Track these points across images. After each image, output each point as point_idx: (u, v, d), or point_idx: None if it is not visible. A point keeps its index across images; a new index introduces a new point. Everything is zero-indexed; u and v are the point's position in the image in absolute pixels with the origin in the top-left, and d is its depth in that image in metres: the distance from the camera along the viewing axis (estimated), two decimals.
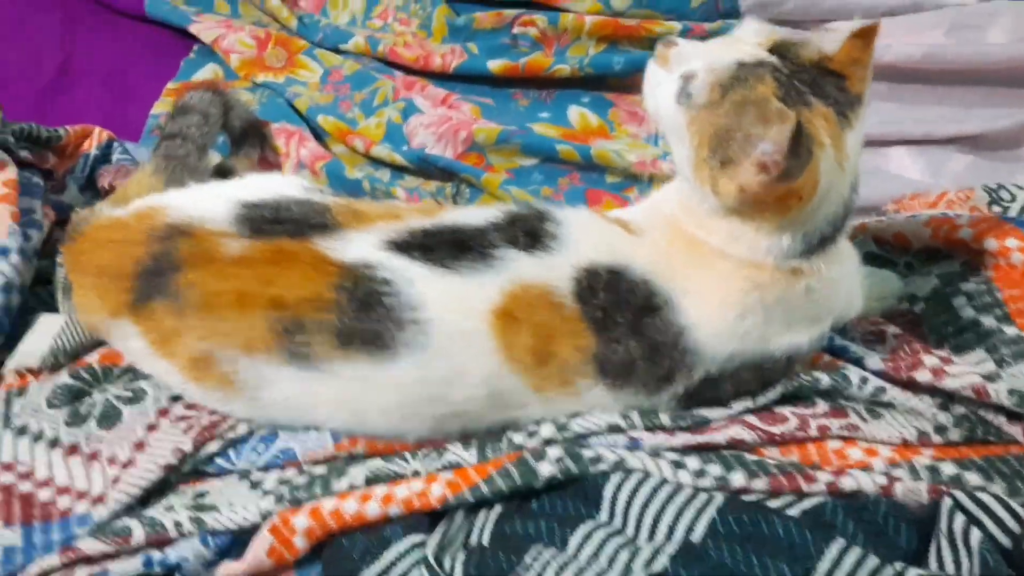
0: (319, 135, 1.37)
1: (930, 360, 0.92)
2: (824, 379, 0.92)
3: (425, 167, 1.32)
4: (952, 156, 1.41)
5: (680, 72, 0.85)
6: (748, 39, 0.86)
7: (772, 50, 0.83)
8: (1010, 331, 0.96)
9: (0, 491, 0.87)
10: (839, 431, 0.89)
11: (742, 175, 0.77)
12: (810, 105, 0.80)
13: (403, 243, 0.88)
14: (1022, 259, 0.99)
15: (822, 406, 0.92)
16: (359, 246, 0.87)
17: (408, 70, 1.51)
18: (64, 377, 0.97)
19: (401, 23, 1.60)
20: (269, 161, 1.32)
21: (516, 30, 1.55)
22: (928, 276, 1.07)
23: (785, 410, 0.91)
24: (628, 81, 1.48)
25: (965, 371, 0.89)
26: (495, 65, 1.47)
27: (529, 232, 0.90)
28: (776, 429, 0.89)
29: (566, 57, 1.50)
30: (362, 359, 0.84)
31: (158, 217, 0.92)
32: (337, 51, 1.53)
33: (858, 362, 0.96)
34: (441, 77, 1.50)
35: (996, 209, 1.19)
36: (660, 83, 0.87)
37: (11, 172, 1.09)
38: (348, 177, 1.30)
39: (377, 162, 1.34)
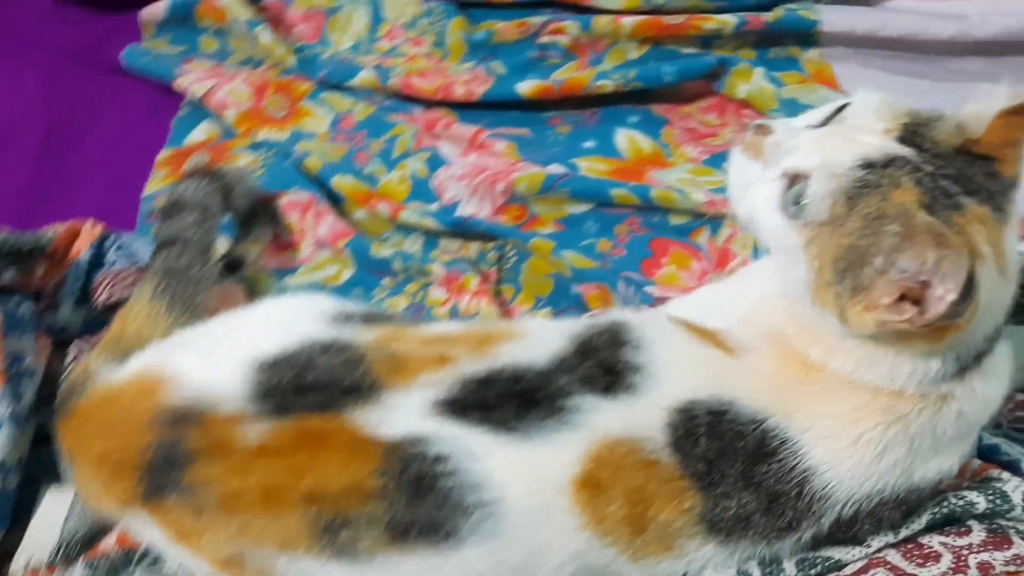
0: (336, 198, 1.20)
1: None
2: (980, 502, 0.77)
3: (461, 231, 1.15)
4: None
5: (781, 170, 0.68)
6: (868, 123, 0.67)
7: (902, 136, 0.65)
8: None
9: None
10: (1004, 567, 0.73)
11: (882, 309, 0.64)
12: (962, 208, 0.64)
13: (457, 402, 0.73)
14: None
15: (978, 532, 0.77)
16: (404, 415, 0.72)
17: (428, 101, 1.32)
18: (80, 572, 0.83)
19: (412, 43, 1.41)
20: (283, 242, 1.16)
21: (544, 39, 1.35)
22: None
23: (934, 541, 0.77)
24: (680, 90, 1.28)
25: None
26: (526, 88, 1.28)
27: (606, 366, 0.75)
28: (927, 572, 0.73)
29: (606, 67, 1.31)
30: (422, 551, 0.70)
31: (160, 393, 0.76)
32: (345, 88, 1.33)
33: (1014, 466, 0.80)
34: (465, 106, 1.31)
35: None
36: (753, 183, 0.71)
37: None
38: (375, 257, 1.13)
39: (406, 227, 1.17)
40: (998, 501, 0.76)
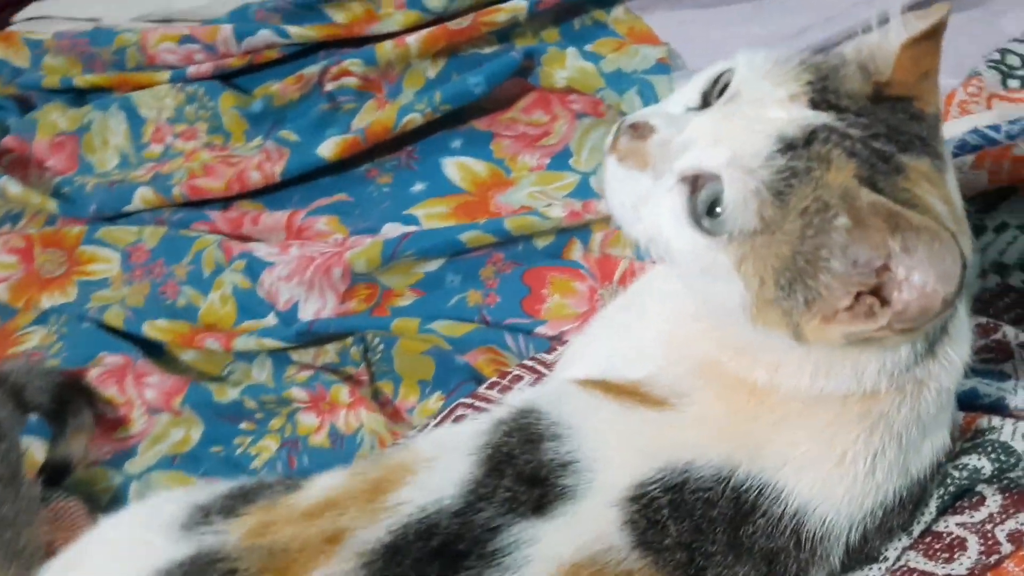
0: (155, 349, 1.01)
1: None
2: (985, 465, 0.67)
3: (309, 339, 0.98)
4: None
5: (678, 175, 0.55)
6: (766, 92, 0.55)
7: (813, 100, 0.54)
8: None
9: None
10: None
11: (850, 317, 0.53)
12: (903, 170, 0.52)
13: None
14: None
15: (993, 498, 0.69)
16: None
17: (223, 199, 1.13)
18: None
19: (185, 137, 1.21)
20: (109, 423, 0.96)
21: (329, 86, 1.19)
22: (1006, 230, 0.81)
23: (951, 526, 0.66)
24: (496, 97, 1.14)
25: None
26: (328, 149, 1.11)
27: (529, 478, 0.61)
28: (958, 566, 0.64)
29: (408, 98, 1.16)
30: None
31: None
32: (124, 216, 1.14)
33: (998, 406, 0.70)
34: (268, 190, 1.13)
35: (1014, 84, 0.92)
36: (644, 199, 0.57)
37: None
38: (222, 402, 0.94)
39: (246, 354, 0.99)
40: (1003, 457, 0.68)
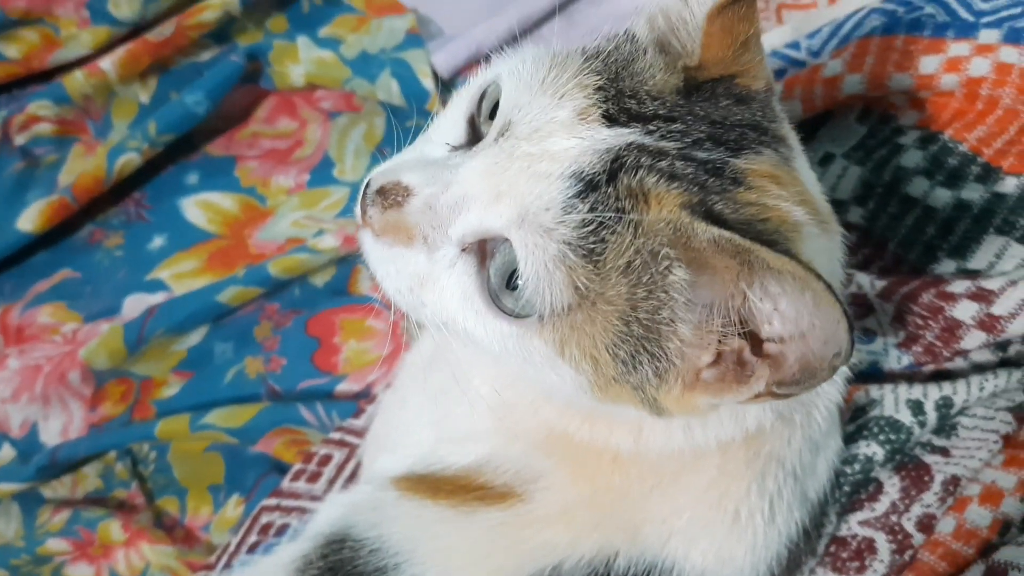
0: None
1: (962, 309, 0.58)
2: (876, 451, 0.59)
3: (56, 471, 0.77)
4: None
5: (456, 245, 0.41)
6: (547, 116, 0.40)
7: (608, 113, 0.41)
8: (1009, 185, 0.63)
9: None
10: (940, 505, 0.57)
11: (722, 383, 0.42)
12: (741, 179, 0.40)
13: None
14: (955, 80, 0.65)
15: (891, 483, 0.62)
16: None
17: None
18: None
19: None
20: None
21: (19, 140, 0.95)
22: (832, 162, 0.71)
23: (856, 527, 0.59)
24: (227, 112, 0.95)
25: (1007, 288, 0.56)
26: (31, 220, 0.89)
27: None
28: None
29: (120, 135, 0.94)
30: None
31: None
32: None
33: (874, 372, 0.61)
34: None
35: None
36: (422, 280, 0.43)
37: None
38: None
39: None
40: (892, 436, 0.60)
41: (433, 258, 0.43)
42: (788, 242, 0.39)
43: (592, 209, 0.38)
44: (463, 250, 0.42)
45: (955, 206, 0.64)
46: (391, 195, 0.43)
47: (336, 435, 0.74)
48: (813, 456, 0.52)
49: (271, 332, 0.83)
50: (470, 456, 0.52)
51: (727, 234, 0.36)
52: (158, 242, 0.90)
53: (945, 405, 0.59)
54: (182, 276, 0.87)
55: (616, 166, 0.39)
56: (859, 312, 0.65)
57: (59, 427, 0.81)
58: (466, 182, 0.41)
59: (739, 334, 0.39)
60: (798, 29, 0.76)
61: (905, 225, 0.67)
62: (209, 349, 0.82)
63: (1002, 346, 0.61)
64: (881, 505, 0.58)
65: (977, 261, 0.63)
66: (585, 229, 0.38)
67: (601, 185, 0.39)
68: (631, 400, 0.42)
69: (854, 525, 0.58)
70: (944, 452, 0.59)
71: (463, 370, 0.53)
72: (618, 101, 0.41)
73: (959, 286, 0.60)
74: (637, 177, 0.39)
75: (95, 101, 0.96)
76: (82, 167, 0.92)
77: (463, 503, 0.50)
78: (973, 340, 0.59)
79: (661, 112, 0.41)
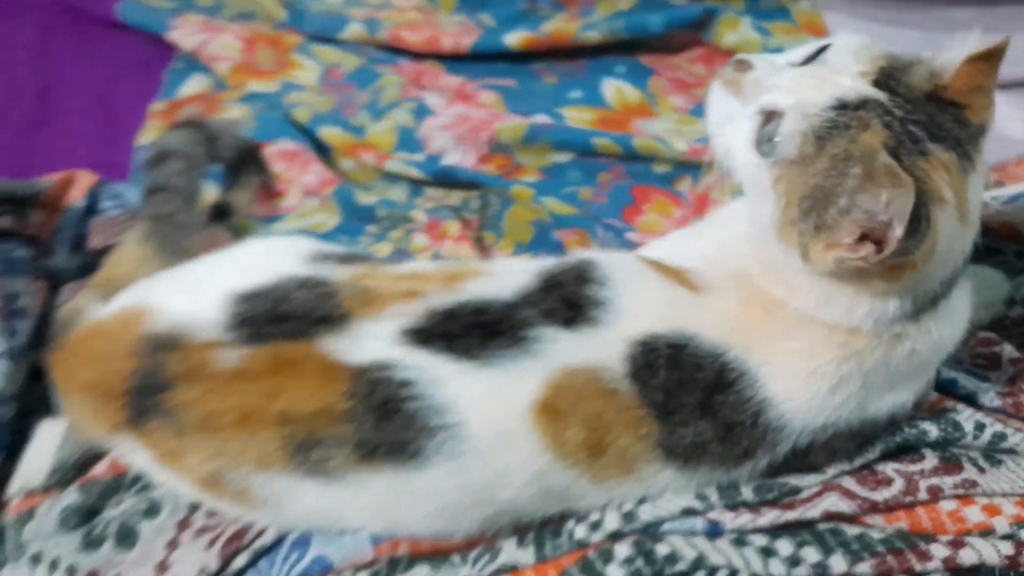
0: (324, 149, 1.22)
1: None
2: (932, 430, 0.78)
3: (446, 179, 1.17)
4: None
5: (758, 106, 0.69)
6: (846, 64, 0.68)
7: (878, 80, 0.66)
8: None
9: None
10: (953, 490, 0.76)
11: (843, 247, 0.64)
12: (927, 154, 0.64)
13: (422, 332, 0.74)
14: None
15: (931, 459, 0.78)
16: (372, 343, 0.74)
17: (416, 53, 1.33)
18: (73, 495, 0.87)
19: None
20: (271, 191, 1.18)
21: None
22: None
23: (888, 468, 0.78)
24: (668, 41, 1.29)
25: None
26: (514, 39, 1.29)
27: (569, 301, 0.75)
28: (879, 495, 0.76)
29: (595, 20, 1.31)
30: (389, 469, 0.72)
31: (142, 323, 0.79)
32: (334, 41, 1.35)
33: (970, 399, 0.81)
34: (454, 58, 1.32)
35: None
36: (731, 118, 0.72)
37: None
38: (360, 204, 1.14)
39: (392, 176, 1.19)
40: (950, 429, 0.77)
41: (743, 110, 0.71)
42: (930, 205, 0.63)
43: (837, 116, 0.65)
44: (759, 112, 0.70)
45: None
46: (743, 66, 0.72)
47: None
48: (885, 384, 0.72)
49: (609, 180, 1.15)
50: (689, 264, 0.80)
51: (894, 163, 0.61)
52: (575, 94, 1.27)
53: (1000, 438, 0.77)
54: (576, 120, 1.23)
55: (862, 104, 0.65)
56: (990, 364, 0.84)
57: (456, 159, 1.19)
58: (783, 77, 0.70)
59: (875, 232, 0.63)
60: None
61: None
62: (566, 169, 1.17)
63: None
64: (914, 467, 0.75)
65: None
66: (826, 124, 0.65)
67: (849, 108, 0.65)
68: (794, 242, 0.66)
69: (889, 469, 0.75)
70: (980, 469, 0.78)
71: (717, 222, 0.84)
72: (887, 78, 0.66)
73: None
74: (869, 115, 0.64)
75: None
76: (561, 26, 1.31)
77: (669, 279, 0.76)
78: None
79: (907, 96, 0.65)
